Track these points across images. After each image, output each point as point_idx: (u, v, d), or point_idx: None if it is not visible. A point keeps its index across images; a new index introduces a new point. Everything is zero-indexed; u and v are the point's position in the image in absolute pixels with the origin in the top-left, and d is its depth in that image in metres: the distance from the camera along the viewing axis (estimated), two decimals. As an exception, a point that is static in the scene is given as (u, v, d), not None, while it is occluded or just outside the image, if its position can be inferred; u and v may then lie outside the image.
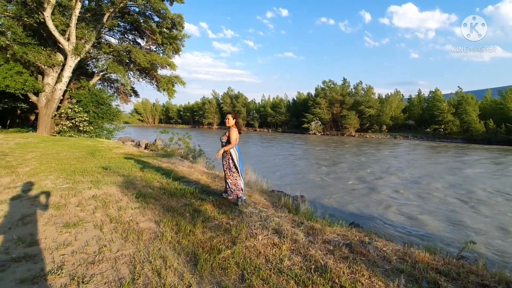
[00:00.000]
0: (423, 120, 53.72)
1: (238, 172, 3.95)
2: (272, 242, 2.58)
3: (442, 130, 47.51)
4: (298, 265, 2.22)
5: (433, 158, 22.01)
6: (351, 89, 63.59)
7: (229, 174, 3.99)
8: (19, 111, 27.25)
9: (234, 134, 3.90)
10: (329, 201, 8.42)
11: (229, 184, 4.01)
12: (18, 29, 18.22)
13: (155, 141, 19.42)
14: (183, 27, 24.87)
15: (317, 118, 61.78)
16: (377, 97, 60.72)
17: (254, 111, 74.88)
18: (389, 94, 61.43)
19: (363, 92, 61.75)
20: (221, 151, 3.92)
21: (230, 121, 4.00)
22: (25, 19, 18.72)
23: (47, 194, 4.16)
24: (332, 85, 64.24)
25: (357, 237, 2.93)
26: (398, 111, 57.40)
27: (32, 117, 27.47)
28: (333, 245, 2.56)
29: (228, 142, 3.91)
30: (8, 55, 18.00)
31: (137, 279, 2.00)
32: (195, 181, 5.23)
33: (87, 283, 1.94)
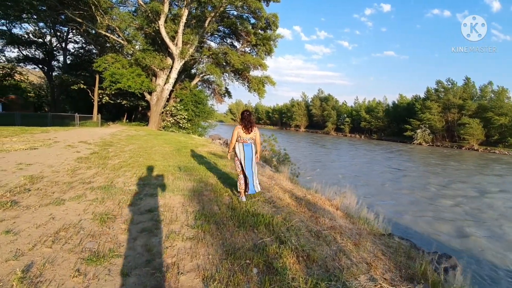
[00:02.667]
0: None
1: (241, 169, 3.87)
2: None
3: None
4: None
5: None
6: (475, 91, 50.72)
7: None
8: (140, 108, 32.67)
9: (233, 133, 3.94)
10: (483, 261, 5.51)
11: None
12: (140, 38, 21.42)
13: (242, 140, 19.46)
14: (277, 27, 24.42)
15: (425, 126, 51.86)
16: (514, 102, 46.35)
17: (346, 115, 69.37)
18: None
19: (492, 96, 48.26)
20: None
21: None
22: (146, 29, 21.86)
23: (107, 198, 3.61)
24: (449, 86, 52.77)
25: None
26: (544, 121, 42.30)
27: (149, 113, 31.99)
28: None
29: None
30: (132, 60, 21.39)
31: None
32: (273, 201, 3.91)
33: None
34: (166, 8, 19.22)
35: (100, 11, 18.21)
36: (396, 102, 64.68)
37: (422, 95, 57.99)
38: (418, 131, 52.19)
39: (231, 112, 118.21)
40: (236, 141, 3.93)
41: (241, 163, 3.84)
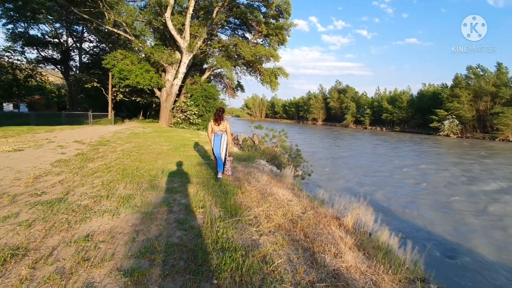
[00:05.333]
0: None
1: (214, 155, 4.92)
2: None
3: None
4: None
5: None
6: (509, 77, 46.31)
7: None
8: (154, 105, 32.58)
9: (208, 126, 4.95)
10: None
11: None
12: (148, 32, 20.88)
13: (253, 136, 18.55)
14: (289, 14, 22.97)
15: (453, 116, 48.20)
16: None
17: (366, 106, 66.23)
18: None
19: (529, 81, 43.79)
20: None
21: None
22: (154, 23, 21.29)
23: (41, 219, 2.80)
24: (480, 72, 48.49)
25: None
26: None
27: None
28: None
29: None
30: (140, 56, 20.96)
31: None
32: (259, 223, 2.92)
33: None
34: (172, -1, 18.44)
35: (106, 6, 17.76)
36: (421, 91, 60.74)
37: (449, 84, 53.99)
38: (445, 122, 48.65)
39: (247, 107, 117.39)
40: (211, 132, 4.85)
41: (213, 150, 4.84)
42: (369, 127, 64.79)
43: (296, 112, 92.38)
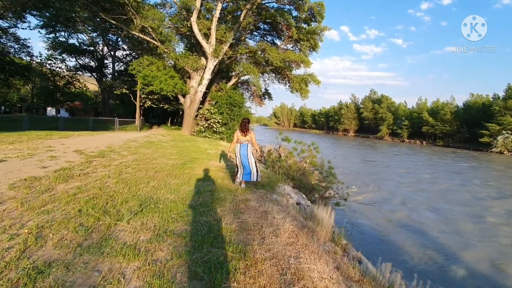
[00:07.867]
0: None
1: (236, 164, 5.16)
2: None
3: None
4: None
5: None
6: None
7: None
8: (181, 112, 32.29)
9: (234, 135, 5.11)
10: None
11: None
12: (174, 38, 20.34)
13: (279, 148, 16.80)
14: (323, 17, 21.18)
15: (508, 131, 42.50)
16: None
17: (404, 118, 61.31)
18: None
19: None
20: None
21: None
22: (181, 29, 20.75)
23: None
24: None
25: None
26: None
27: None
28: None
29: None
30: (166, 62, 20.42)
31: None
32: None
33: None
34: (198, 3, 17.67)
35: (132, 11, 17.43)
36: (467, 102, 54.77)
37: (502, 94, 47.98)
38: (499, 137, 42.96)
39: (275, 116, 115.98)
40: (236, 142, 5.05)
41: (238, 158, 5.02)
42: (407, 140, 59.73)
43: (326, 122, 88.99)
